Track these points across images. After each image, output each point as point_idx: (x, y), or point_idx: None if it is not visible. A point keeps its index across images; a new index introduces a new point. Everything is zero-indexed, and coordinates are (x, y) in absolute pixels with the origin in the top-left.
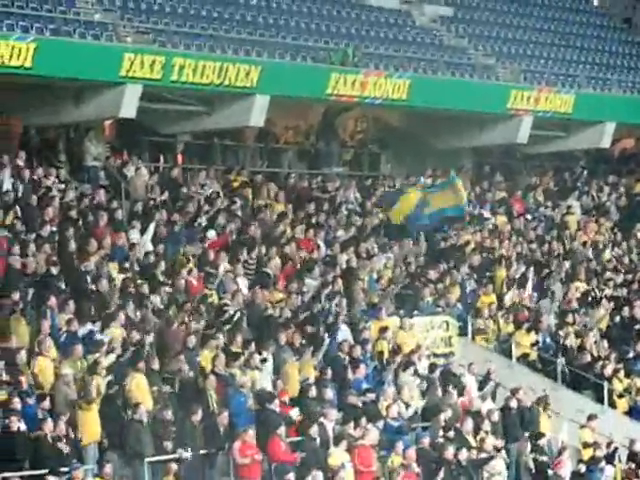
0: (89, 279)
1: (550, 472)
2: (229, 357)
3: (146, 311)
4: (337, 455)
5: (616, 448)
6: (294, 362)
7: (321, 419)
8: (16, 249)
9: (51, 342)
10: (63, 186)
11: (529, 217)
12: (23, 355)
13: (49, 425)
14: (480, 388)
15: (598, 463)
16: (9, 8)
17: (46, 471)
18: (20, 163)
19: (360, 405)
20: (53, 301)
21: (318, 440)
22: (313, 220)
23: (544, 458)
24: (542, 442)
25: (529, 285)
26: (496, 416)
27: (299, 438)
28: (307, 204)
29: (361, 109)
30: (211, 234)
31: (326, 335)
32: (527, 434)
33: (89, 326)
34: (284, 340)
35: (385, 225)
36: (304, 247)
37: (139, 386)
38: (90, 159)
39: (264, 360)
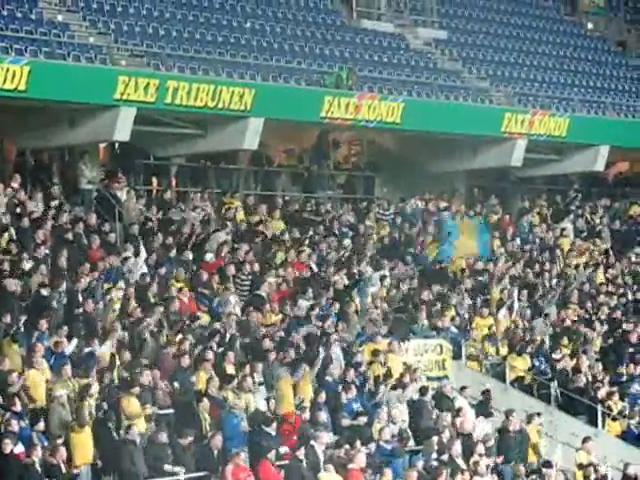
0: (81, 301)
1: None
2: (222, 380)
3: (139, 332)
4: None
5: (605, 475)
6: (289, 379)
7: (312, 442)
8: (9, 272)
9: (43, 360)
10: (57, 209)
11: (522, 240)
12: (14, 378)
13: (38, 452)
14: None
15: None
16: (3, 31)
17: None
18: (15, 186)
19: (352, 428)
20: (45, 323)
21: (305, 462)
22: (306, 243)
23: None
24: (535, 465)
25: (515, 307)
26: (492, 441)
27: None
28: (301, 227)
29: (355, 132)
30: (208, 257)
31: (321, 349)
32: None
33: (81, 346)
34: (277, 360)
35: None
36: (297, 269)
37: (132, 408)
38: (84, 182)
39: (259, 384)
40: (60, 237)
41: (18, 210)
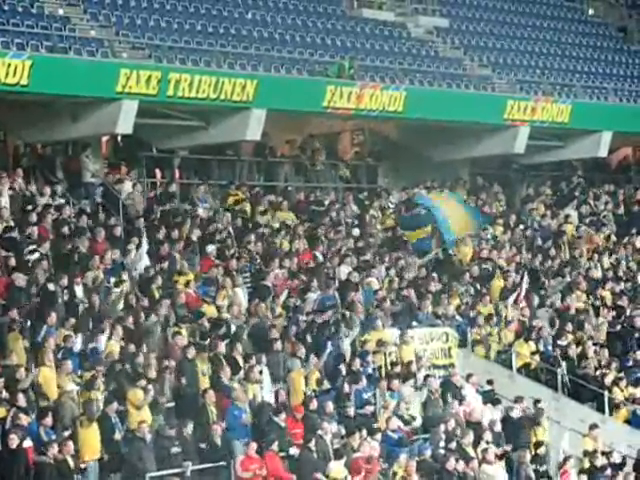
0: (87, 295)
1: None
2: (229, 370)
3: (145, 325)
4: (337, 469)
5: (624, 457)
6: (301, 371)
7: (319, 432)
8: (16, 266)
9: (53, 356)
10: (61, 203)
11: (527, 227)
12: (22, 372)
13: (54, 449)
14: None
15: (603, 471)
16: (5, 26)
17: None
18: (18, 180)
19: (359, 418)
20: (53, 317)
21: (315, 453)
22: (311, 233)
23: (544, 468)
24: (541, 451)
25: (521, 293)
26: (499, 426)
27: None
28: (305, 217)
29: (357, 122)
30: (210, 248)
31: (329, 343)
32: (525, 444)
33: (87, 341)
34: (286, 352)
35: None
36: (303, 260)
37: (137, 400)
38: (88, 175)
39: (260, 372)
40: (63, 231)
41: (22, 204)
